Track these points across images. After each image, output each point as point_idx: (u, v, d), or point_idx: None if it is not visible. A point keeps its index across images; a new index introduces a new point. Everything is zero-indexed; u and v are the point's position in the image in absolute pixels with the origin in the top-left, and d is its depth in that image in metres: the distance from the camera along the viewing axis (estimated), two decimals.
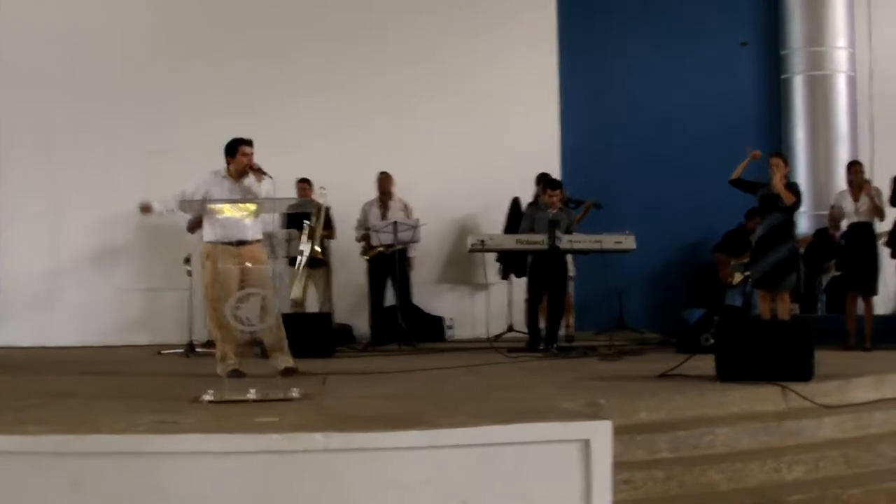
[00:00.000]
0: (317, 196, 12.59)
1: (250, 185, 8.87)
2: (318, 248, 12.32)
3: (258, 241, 9.05)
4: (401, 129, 14.09)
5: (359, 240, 13.22)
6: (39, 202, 13.43)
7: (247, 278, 8.50)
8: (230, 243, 8.81)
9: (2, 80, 13.45)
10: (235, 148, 8.91)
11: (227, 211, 8.43)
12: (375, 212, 13.18)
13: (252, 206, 8.57)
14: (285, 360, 8.90)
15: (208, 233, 8.91)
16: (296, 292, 12.72)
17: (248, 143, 8.94)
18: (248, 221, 8.82)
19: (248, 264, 8.65)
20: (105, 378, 9.34)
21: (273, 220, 11.12)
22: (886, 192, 11.48)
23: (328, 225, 12.81)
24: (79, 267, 13.48)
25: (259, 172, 8.81)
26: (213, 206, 8.62)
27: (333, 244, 13.21)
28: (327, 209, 12.60)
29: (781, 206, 11.01)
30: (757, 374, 7.76)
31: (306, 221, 12.20)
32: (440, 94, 14.33)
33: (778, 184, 10.99)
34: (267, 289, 8.63)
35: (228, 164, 8.97)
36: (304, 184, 12.99)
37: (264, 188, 8.86)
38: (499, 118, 14.30)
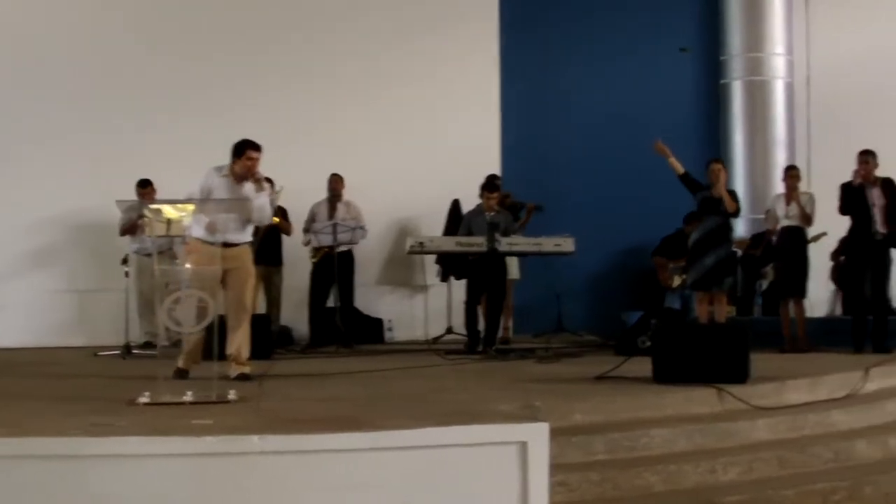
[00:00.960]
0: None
1: (249, 192, 8.72)
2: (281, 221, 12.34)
3: (247, 243, 8.89)
4: (345, 131, 14.08)
5: (306, 243, 13.18)
6: None
7: (229, 281, 8.52)
8: (214, 244, 8.44)
9: None
10: (243, 150, 8.72)
11: (167, 212, 8.19)
12: (323, 213, 13.15)
13: (190, 207, 8.03)
14: (238, 369, 8.62)
15: (196, 230, 8.47)
16: None
17: (257, 147, 8.74)
18: (233, 223, 8.56)
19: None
20: (40, 380, 9.24)
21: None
22: (831, 199, 11.54)
23: (285, 219, 12.84)
24: (13, 268, 13.32)
25: (259, 183, 8.72)
26: (153, 206, 8.07)
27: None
28: (283, 209, 12.58)
29: (722, 211, 11.16)
30: (693, 377, 7.81)
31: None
32: (383, 97, 14.37)
33: (721, 189, 11.14)
34: (247, 292, 8.76)
35: (233, 164, 8.77)
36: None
37: (260, 201, 8.73)
38: (441, 121, 14.39)
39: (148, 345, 11.85)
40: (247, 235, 8.87)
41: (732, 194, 11.39)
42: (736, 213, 11.39)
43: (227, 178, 8.76)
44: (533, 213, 13.68)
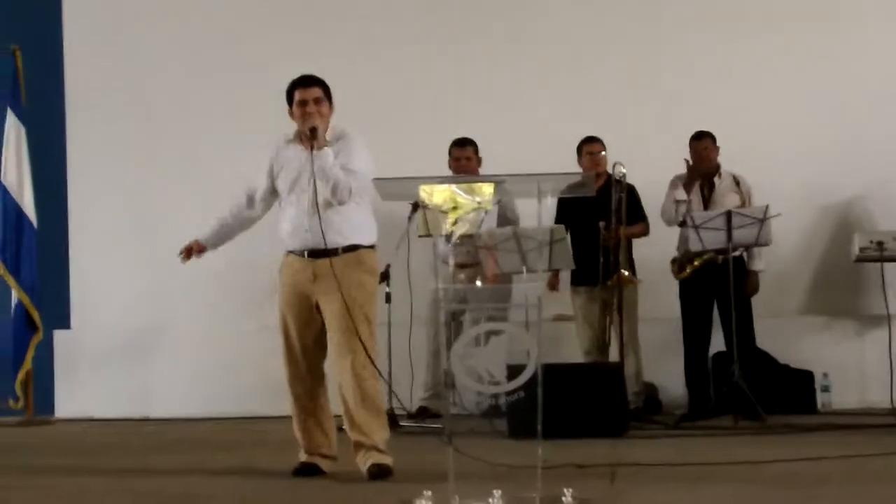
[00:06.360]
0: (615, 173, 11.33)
1: (327, 155, 7.79)
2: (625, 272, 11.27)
3: (355, 248, 7.90)
4: (731, 77, 13.33)
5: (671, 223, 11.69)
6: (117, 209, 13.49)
7: (324, 309, 7.75)
8: (299, 253, 7.90)
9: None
10: (290, 95, 7.94)
11: (449, 197, 6.86)
12: (695, 195, 11.70)
13: (489, 188, 6.83)
14: (371, 458, 7.72)
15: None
16: (587, 334, 11.83)
17: (307, 82, 7.92)
18: (332, 216, 7.76)
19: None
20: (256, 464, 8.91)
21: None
22: None
23: (635, 217, 11.66)
24: (185, 297, 13.09)
25: (313, 138, 7.76)
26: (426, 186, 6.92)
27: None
28: (631, 190, 11.46)
29: None
30: None
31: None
32: (796, 30, 13.40)
33: None
34: (368, 320, 7.85)
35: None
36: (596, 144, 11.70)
37: (319, 163, 7.71)
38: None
39: (424, 411, 11.43)
40: (350, 235, 7.92)
41: None
42: None
43: (293, 143, 8.06)
44: None
